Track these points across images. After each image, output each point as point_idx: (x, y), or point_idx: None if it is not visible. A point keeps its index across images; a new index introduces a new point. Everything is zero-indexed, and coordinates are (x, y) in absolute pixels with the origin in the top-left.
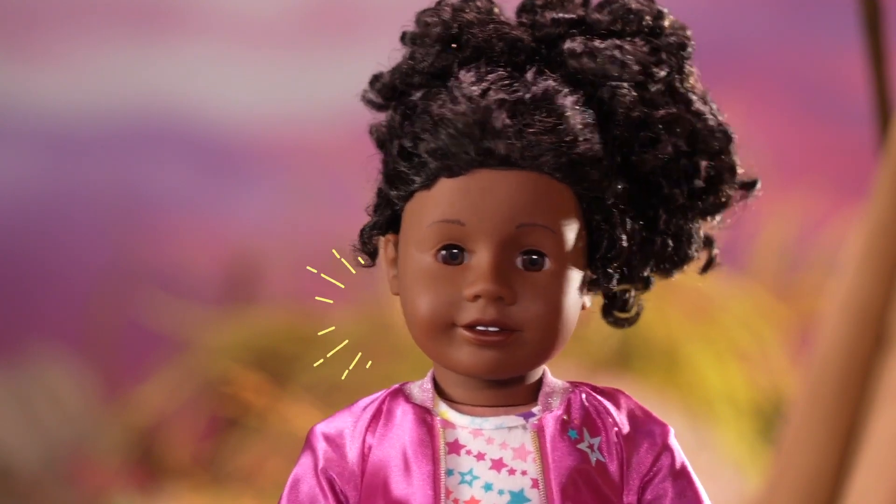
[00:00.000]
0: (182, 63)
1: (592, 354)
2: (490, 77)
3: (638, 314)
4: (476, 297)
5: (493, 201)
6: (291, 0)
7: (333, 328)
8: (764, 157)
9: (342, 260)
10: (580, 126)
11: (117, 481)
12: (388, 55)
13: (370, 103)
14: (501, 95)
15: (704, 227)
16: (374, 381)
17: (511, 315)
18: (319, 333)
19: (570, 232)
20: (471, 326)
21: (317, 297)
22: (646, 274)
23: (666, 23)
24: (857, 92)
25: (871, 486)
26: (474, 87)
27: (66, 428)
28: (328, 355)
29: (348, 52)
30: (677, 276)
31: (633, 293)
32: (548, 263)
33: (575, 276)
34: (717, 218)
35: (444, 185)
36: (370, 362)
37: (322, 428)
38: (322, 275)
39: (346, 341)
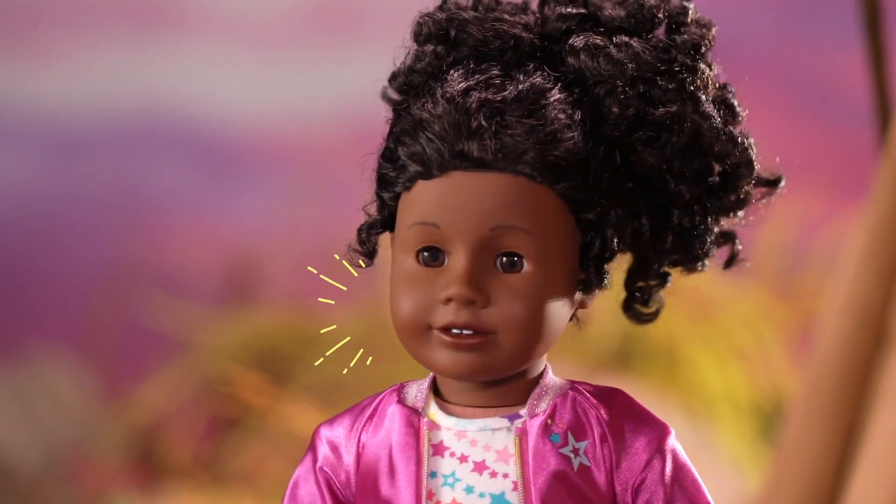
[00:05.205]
0: (182, 63)
1: (592, 354)
2: (476, 76)
3: (658, 310)
4: (448, 301)
5: (466, 203)
6: (291, 0)
7: (335, 326)
8: (764, 157)
9: (344, 263)
10: (561, 126)
11: (117, 481)
12: (388, 55)
13: (389, 101)
14: (483, 95)
15: (727, 224)
16: (374, 381)
17: (484, 318)
18: (322, 331)
19: (551, 233)
20: (445, 329)
21: (319, 299)
22: (662, 270)
23: (688, 19)
24: (857, 92)
25: (871, 486)
26: (457, 87)
27: (66, 428)
28: (328, 353)
29: (348, 52)
30: (681, 276)
31: (655, 288)
32: (526, 265)
33: (558, 278)
34: (740, 214)
35: (422, 188)
36: (370, 358)
37: (324, 428)
38: (322, 276)
39: (349, 338)
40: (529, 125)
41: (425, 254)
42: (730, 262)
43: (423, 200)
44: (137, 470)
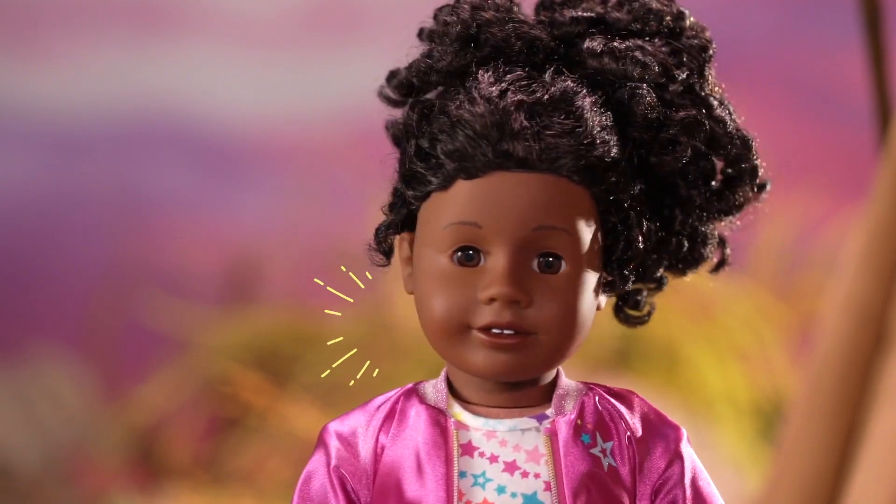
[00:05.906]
0: (182, 63)
1: (592, 354)
2: (508, 77)
3: (650, 313)
4: (491, 300)
5: (510, 204)
6: (291, 0)
7: (342, 338)
8: (764, 157)
9: (351, 275)
10: (598, 128)
11: (117, 481)
12: (388, 55)
13: (387, 99)
14: (520, 96)
15: (718, 228)
16: (374, 381)
17: (526, 318)
18: (329, 343)
19: (587, 234)
20: (486, 329)
21: (326, 311)
22: (659, 274)
23: (687, 24)
24: (857, 92)
25: (871, 486)
26: (492, 88)
27: (66, 428)
28: (334, 365)
29: (349, 52)
30: (681, 277)
31: (645, 293)
32: (564, 266)
33: (591, 279)
34: (731, 218)
35: (461, 187)
36: (377, 370)
37: (335, 426)
38: (329, 288)
39: (355, 350)
40: (570, 126)
41: (460, 254)
42: (719, 266)
43: (463, 200)
44: (137, 470)
